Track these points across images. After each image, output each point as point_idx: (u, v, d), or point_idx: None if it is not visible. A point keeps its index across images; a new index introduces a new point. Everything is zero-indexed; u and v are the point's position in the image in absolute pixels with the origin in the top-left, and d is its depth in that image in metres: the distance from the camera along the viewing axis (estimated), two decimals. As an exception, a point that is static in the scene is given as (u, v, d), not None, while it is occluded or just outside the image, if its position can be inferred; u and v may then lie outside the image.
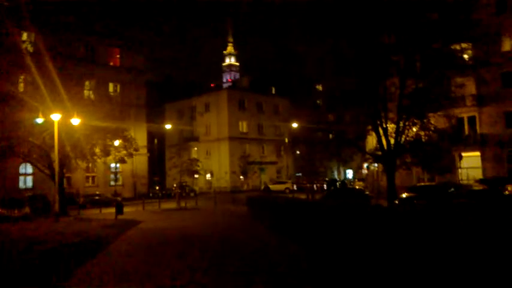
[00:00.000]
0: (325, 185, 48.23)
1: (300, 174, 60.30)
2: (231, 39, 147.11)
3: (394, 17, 20.87)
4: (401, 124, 21.16)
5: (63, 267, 8.94)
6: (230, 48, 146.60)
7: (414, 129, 21.06)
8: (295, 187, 46.45)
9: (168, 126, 51.37)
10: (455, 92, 22.28)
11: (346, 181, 57.30)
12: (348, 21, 21.18)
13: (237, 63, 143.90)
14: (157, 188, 49.82)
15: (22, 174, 36.80)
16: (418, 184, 24.50)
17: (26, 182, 37.07)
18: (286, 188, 45.66)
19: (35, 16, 28.71)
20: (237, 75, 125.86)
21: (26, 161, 28.86)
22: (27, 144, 25.03)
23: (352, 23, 21.17)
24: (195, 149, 59.05)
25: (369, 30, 21.02)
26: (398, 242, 7.39)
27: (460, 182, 29.26)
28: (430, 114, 20.98)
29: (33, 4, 29.84)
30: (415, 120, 21.28)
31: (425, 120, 20.86)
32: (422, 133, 21.67)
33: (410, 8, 20.53)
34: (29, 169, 35.32)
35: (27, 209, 23.53)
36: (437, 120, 22.23)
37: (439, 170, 21.56)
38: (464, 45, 22.28)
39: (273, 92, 63.75)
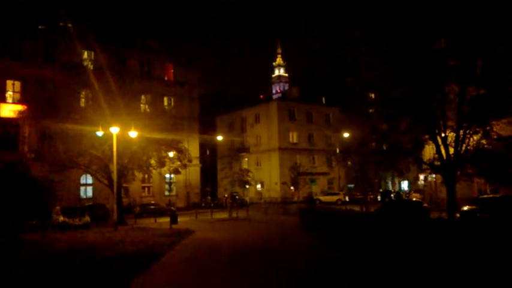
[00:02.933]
0: (379, 197, 46.79)
1: (353, 185, 58.93)
2: (279, 51, 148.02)
3: (451, 21, 19.94)
4: (461, 133, 20.02)
5: (121, 276, 9.19)
6: (279, 60, 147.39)
7: (475, 138, 19.84)
8: (347, 198, 45.46)
9: (219, 138, 52.21)
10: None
11: (401, 193, 55.23)
12: (403, 26, 20.50)
13: (286, 74, 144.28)
14: (209, 198, 50.61)
15: (83, 185, 38.68)
16: (481, 196, 23.07)
17: (87, 192, 38.92)
18: (338, 200, 44.79)
19: (96, 35, 30.47)
20: (286, 86, 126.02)
21: (86, 172, 30.29)
22: (87, 155, 26.28)
23: (406, 29, 20.46)
24: (246, 159, 59.46)
25: (424, 35, 20.22)
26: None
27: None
28: (494, 122, 19.69)
29: (94, 25, 31.71)
30: (477, 129, 20.06)
31: (488, 128, 19.60)
32: (484, 142, 20.37)
33: (468, 11, 19.55)
34: (89, 180, 37.07)
35: (87, 218, 24.62)
36: (502, 128, 20.84)
37: (505, 181, 20.14)
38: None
39: (323, 101, 63.05)
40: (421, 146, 23.40)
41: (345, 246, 12.33)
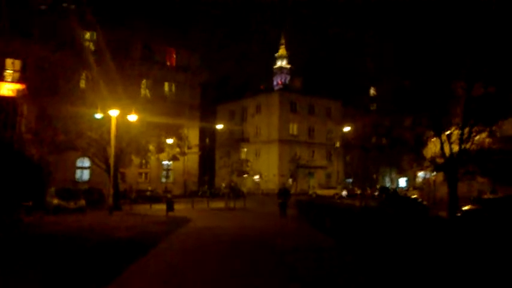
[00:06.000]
0: (376, 193, 46.56)
1: (351, 180, 58.77)
2: (283, 41, 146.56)
3: (462, 18, 19.51)
4: (466, 130, 19.69)
5: (116, 263, 8.86)
6: (282, 51, 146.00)
7: (483, 136, 19.48)
8: (344, 193, 45.21)
9: (219, 127, 51.80)
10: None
11: (398, 190, 55.04)
12: (413, 21, 20.05)
13: (288, 66, 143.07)
14: (206, 187, 50.32)
15: (79, 168, 38.31)
16: (484, 196, 22.81)
17: (83, 175, 38.57)
18: (336, 194, 44.57)
19: (97, 17, 29.82)
20: (288, 78, 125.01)
21: (84, 154, 29.93)
22: (86, 138, 25.89)
23: (417, 23, 20.02)
24: (245, 149, 59.13)
25: (435, 30, 19.78)
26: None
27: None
28: (500, 121, 19.38)
29: (97, 5, 31.06)
30: (483, 127, 19.72)
31: (494, 128, 19.28)
32: (488, 140, 20.06)
33: (478, 9, 19.12)
34: (86, 163, 36.71)
35: (82, 202, 24.29)
36: (507, 128, 20.55)
37: (509, 181, 19.87)
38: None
39: (325, 94, 62.58)
40: (424, 143, 23.09)
41: (342, 239, 12.03)
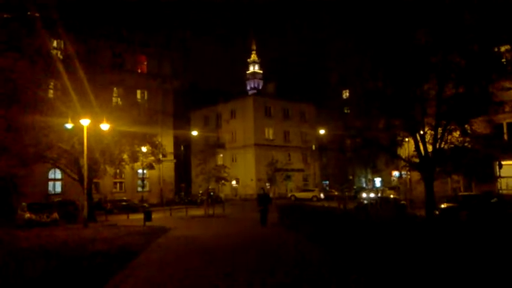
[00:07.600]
0: (353, 193, 46.97)
1: (327, 181, 59.19)
2: (254, 47, 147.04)
3: (433, 16, 19.89)
4: (439, 130, 20.02)
5: (92, 280, 8.43)
6: (254, 56, 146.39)
7: (455, 135, 19.83)
8: (322, 195, 45.45)
9: (194, 133, 51.28)
10: (498, 96, 20.96)
11: (374, 190, 55.71)
12: (384, 20, 20.28)
13: (261, 71, 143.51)
14: (182, 194, 49.65)
15: (51, 180, 37.14)
16: (460, 194, 23.23)
17: (55, 187, 37.41)
18: (314, 196, 44.72)
19: (66, 24, 29.00)
20: (261, 83, 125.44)
21: (55, 166, 28.99)
22: (56, 149, 25.07)
23: (388, 23, 20.26)
24: (221, 155, 58.71)
25: (405, 29, 20.07)
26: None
27: (499, 191, 27.73)
28: (473, 120, 19.79)
29: (65, 13, 30.22)
30: (454, 126, 20.08)
31: (466, 126, 19.66)
32: (461, 139, 20.45)
33: (450, 7, 19.53)
34: (58, 174, 35.63)
35: (55, 215, 23.51)
36: (478, 126, 21.01)
37: (483, 178, 20.29)
38: (503, 48, 21.11)
39: (299, 98, 62.96)
40: (398, 143, 23.32)
41: (328, 243, 11.93)
